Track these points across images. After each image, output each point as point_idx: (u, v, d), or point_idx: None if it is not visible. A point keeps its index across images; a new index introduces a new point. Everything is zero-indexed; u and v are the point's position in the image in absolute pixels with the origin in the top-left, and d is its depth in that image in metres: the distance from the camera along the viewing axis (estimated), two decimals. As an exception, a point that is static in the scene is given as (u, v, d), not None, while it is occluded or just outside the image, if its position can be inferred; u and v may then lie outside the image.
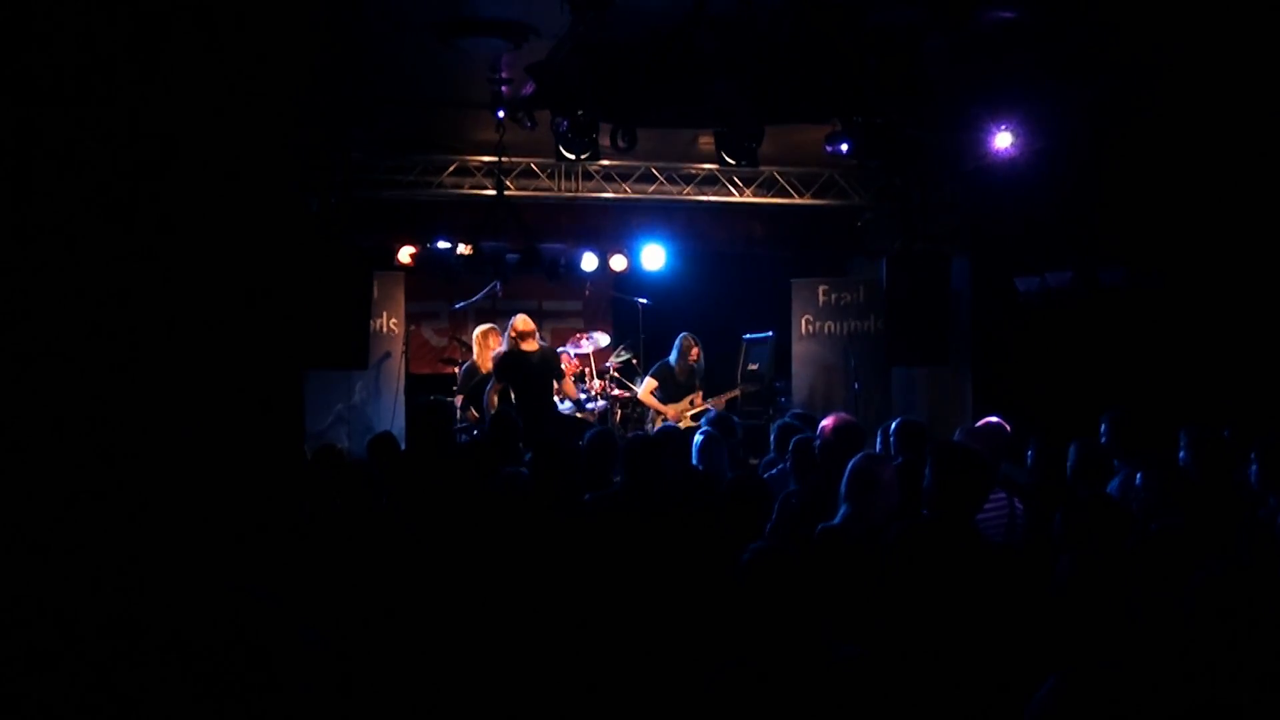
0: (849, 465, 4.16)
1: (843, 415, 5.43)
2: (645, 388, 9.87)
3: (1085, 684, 1.80)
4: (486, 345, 9.56)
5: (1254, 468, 4.61)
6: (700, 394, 9.85)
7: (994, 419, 5.51)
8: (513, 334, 8.81)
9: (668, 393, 9.77)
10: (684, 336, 9.83)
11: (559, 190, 10.10)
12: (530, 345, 8.78)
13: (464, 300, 10.58)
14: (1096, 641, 4.06)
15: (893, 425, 5.75)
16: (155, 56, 3.43)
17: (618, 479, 5.17)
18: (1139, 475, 4.70)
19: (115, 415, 3.35)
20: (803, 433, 5.78)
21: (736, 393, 10.34)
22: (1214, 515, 4.58)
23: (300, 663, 2.14)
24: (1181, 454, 5.15)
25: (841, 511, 4.08)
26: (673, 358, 9.82)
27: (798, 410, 8.31)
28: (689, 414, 9.69)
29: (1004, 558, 3.75)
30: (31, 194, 3.25)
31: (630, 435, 7.84)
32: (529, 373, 8.76)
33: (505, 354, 8.85)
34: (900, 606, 3.29)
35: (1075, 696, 1.78)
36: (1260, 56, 6.58)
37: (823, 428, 5.20)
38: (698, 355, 9.79)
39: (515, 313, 11.92)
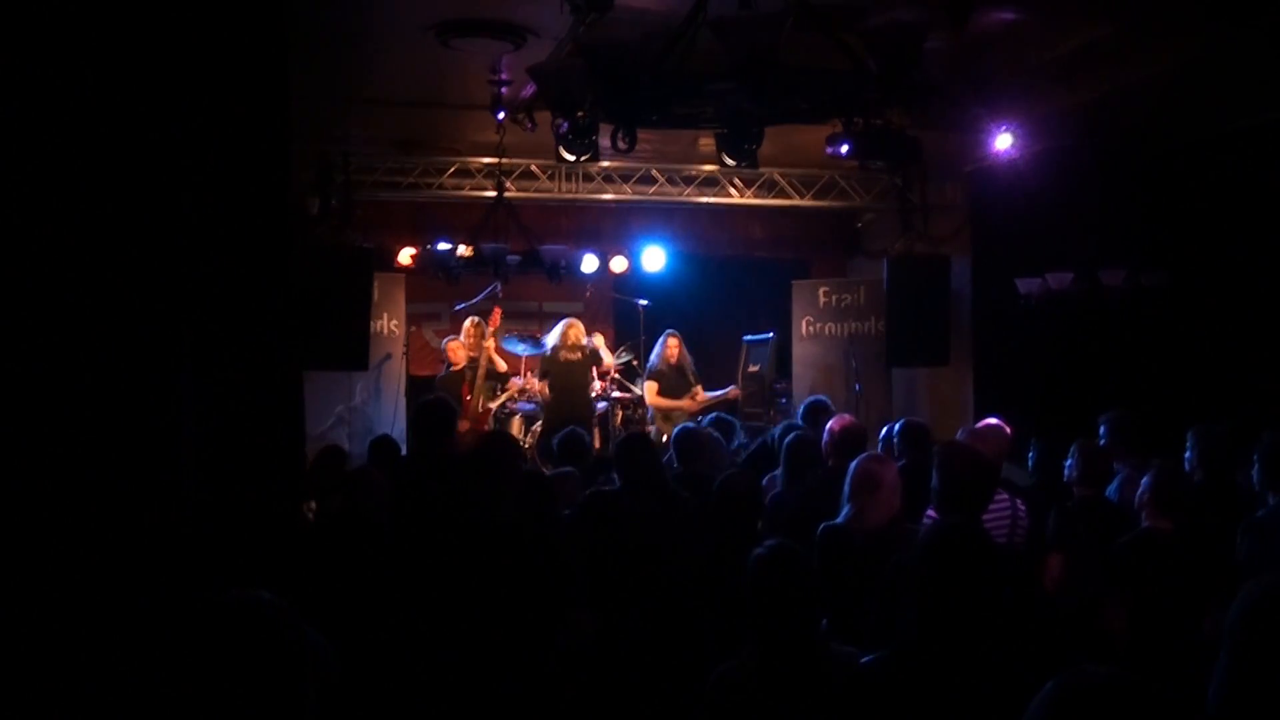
0: (851, 466, 4.16)
1: (848, 417, 5.46)
2: (649, 391, 9.85)
3: (1085, 688, 1.79)
4: (473, 340, 9.68)
5: (1255, 469, 4.61)
6: (699, 388, 9.84)
7: (994, 420, 5.51)
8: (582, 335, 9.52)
9: (668, 391, 9.78)
10: (664, 335, 9.86)
11: (559, 192, 10.10)
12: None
13: (464, 301, 10.59)
14: (1087, 641, 4.06)
15: (896, 426, 5.76)
16: (153, 56, 3.43)
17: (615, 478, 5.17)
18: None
19: (113, 416, 3.34)
20: (799, 432, 5.80)
21: (736, 389, 10.26)
22: (1214, 515, 4.59)
23: (303, 664, 2.13)
24: (1187, 454, 5.15)
25: (844, 512, 4.07)
26: (655, 357, 9.84)
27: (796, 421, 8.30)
28: (689, 410, 9.67)
29: (1007, 559, 3.75)
30: (27, 195, 3.25)
31: (624, 435, 7.84)
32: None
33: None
34: (908, 606, 3.27)
35: (1074, 701, 1.77)
36: (1260, 54, 6.58)
37: (830, 429, 5.22)
38: (674, 351, 9.75)
39: (516, 314, 12.04)
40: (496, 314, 9.94)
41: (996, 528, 4.37)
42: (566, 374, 9.63)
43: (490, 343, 9.63)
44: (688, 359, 9.89)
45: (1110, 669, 1.83)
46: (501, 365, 9.67)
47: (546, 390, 9.66)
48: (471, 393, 9.60)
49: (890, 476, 4.11)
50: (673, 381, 9.76)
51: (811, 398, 7.27)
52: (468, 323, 10.03)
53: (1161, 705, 1.79)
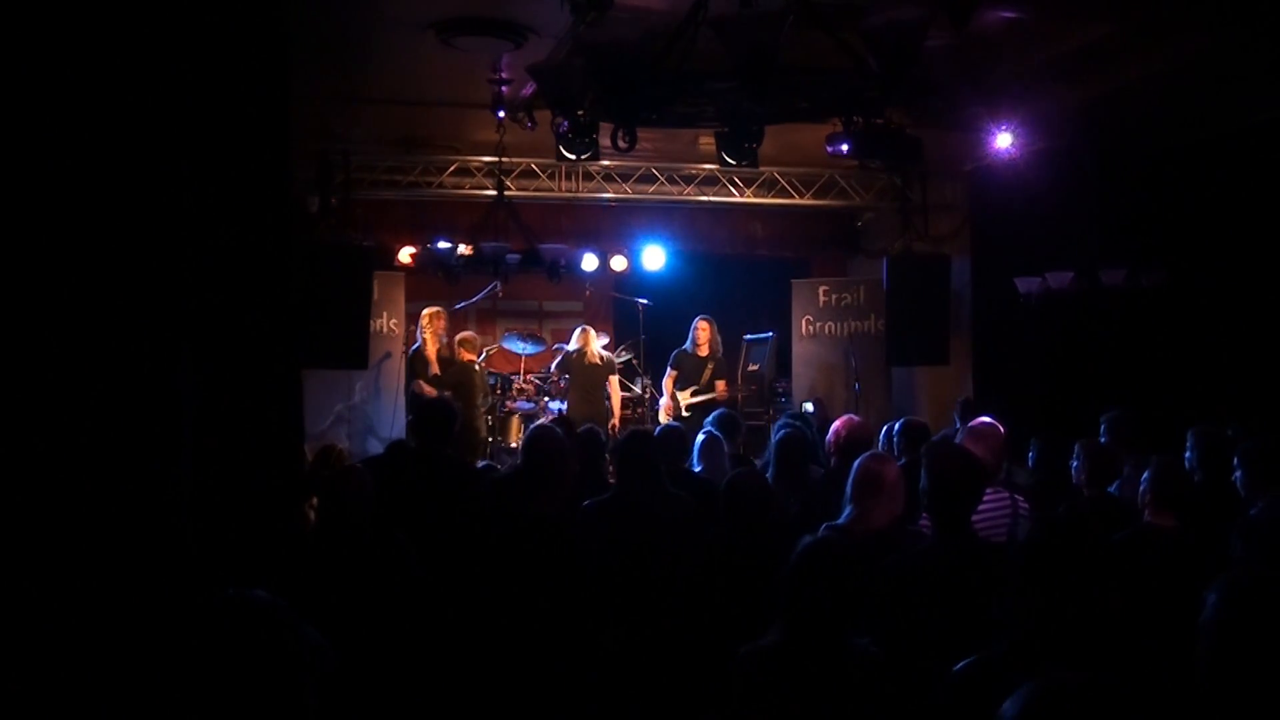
0: (854, 466, 4.13)
1: (855, 418, 5.45)
2: (667, 379, 9.91)
3: (1059, 694, 1.77)
4: (434, 329, 9.72)
5: (1238, 473, 4.58)
6: (724, 381, 9.87)
7: (987, 419, 5.51)
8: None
9: (687, 379, 9.80)
10: (697, 319, 9.94)
11: (559, 190, 10.10)
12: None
13: (464, 300, 10.59)
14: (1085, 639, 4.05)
15: (896, 426, 5.75)
16: (154, 56, 3.43)
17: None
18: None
19: (113, 416, 3.34)
20: (792, 429, 5.80)
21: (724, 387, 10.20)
22: (1214, 515, 4.58)
23: (301, 663, 2.13)
24: (1187, 454, 5.15)
25: (846, 513, 4.05)
26: (688, 344, 9.90)
27: (793, 412, 8.29)
28: (685, 402, 9.67)
29: (1002, 557, 3.74)
30: (27, 194, 3.25)
31: (624, 433, 7.82)
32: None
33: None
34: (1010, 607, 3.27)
35: (1048, 707, 1.76)
36: (1260, 54, 6.58)
37: (836, 429, 5.21)
38: (704, 336, 9.81)
39: (515, 313, 12.05)
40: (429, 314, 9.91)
41: (995, 527, 4.37)
42: (589, 376, 9.85)
43: (431, 347, 9.69)
44: (718, 348, 9.93)
45: (1084, 674, 1.82)
46: (434, 369, 9.67)
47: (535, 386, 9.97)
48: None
49: (893, 476, 4.08)
50: (694, 368, 9.80)
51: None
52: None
53: (1137, 710, 1.77)
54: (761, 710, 2.93)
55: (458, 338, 9.95)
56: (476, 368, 9.82)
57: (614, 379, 10.10)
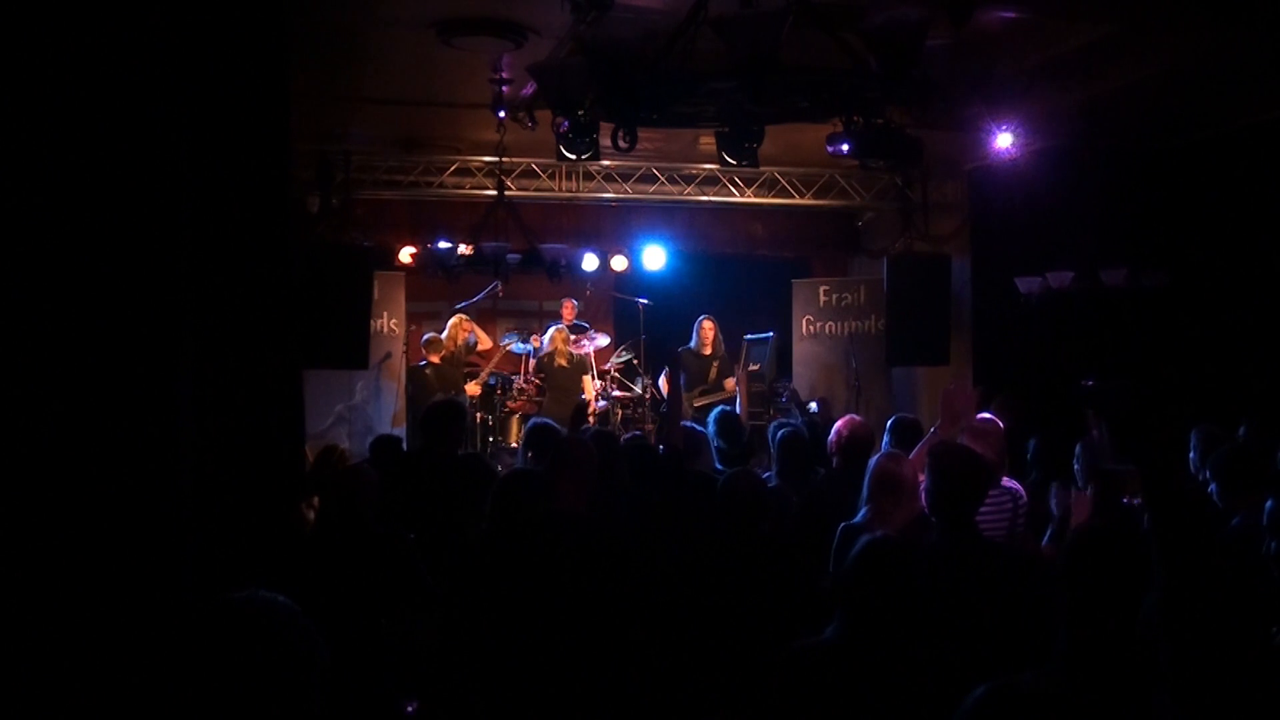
0: (871, 466, 4.12)
1: (856, 418, 5.44)
2: (664, 378, 9.94)
3: (1014, 696, 1.77)
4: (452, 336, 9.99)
5: (1212, 485, 4.44)
6: (731, 379, 9.88)
7: (986, 415, 5.49)
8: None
9: (693, 379, 9.80)
10: (701, 318, 9.99)
11: (560, 190, 10.10)
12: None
13: (464, 300, 10.59)
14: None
15: (888, 423, 5.76)
16: (154, 56, 3.43)
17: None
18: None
19: (113, 416, 3.34)
20: (791, 428, 5.80)
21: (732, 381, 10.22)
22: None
23: (313, 665, 2.13)
24: (1191, 455, 5.14)
25: (862, 512, 4.04)
26: (692, 342, 9.90)
27: (793, 420, 8.29)
28: (695, 402, 9.68)
29: (1005, 555, 3.74)
30: (28, 194, 3.25)
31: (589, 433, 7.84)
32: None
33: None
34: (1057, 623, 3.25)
35: (1004, 707, 1.75)
36: (1260, 54, 6.59)
37: (838, 430, 5.22)
38: (711, 335, 9.83)
39: (515, 313, 12.07)
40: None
41: (996, 523, 4.37)
42: (560, 379, 10.02)
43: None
44: (721, 347, 9.99)
45: (1041, 677, 1.82)
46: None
47: (535, 386, 10.18)
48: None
49: (910, 476, 4.06)
50: (698, 367, 9.79)
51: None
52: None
53: (1089, 714, 1.77)
54: (817, 705, 2.92)
55: (420, 340, 10.03)
56: (429, 370, 9.79)
57: (586, 379, 10.18)
